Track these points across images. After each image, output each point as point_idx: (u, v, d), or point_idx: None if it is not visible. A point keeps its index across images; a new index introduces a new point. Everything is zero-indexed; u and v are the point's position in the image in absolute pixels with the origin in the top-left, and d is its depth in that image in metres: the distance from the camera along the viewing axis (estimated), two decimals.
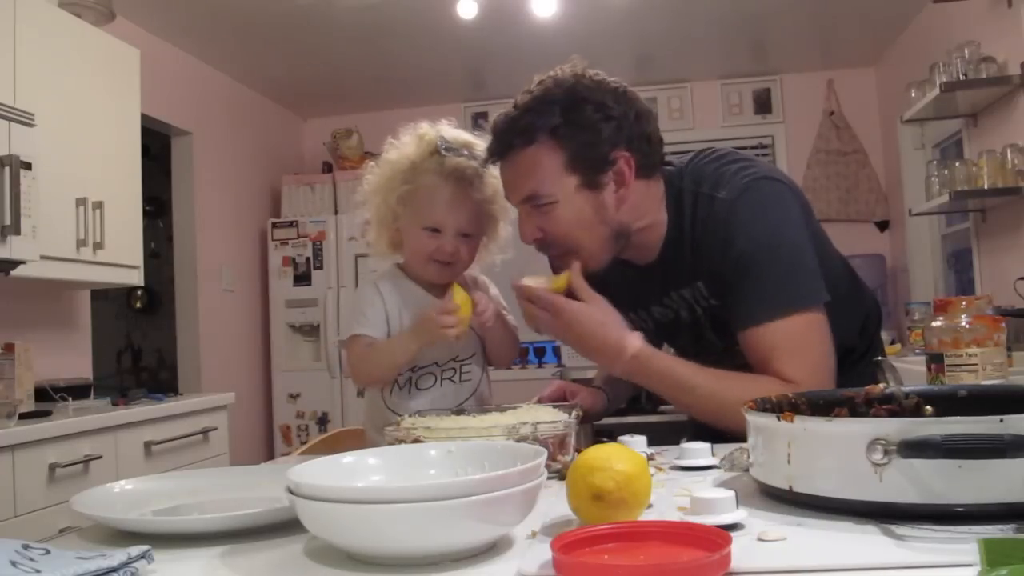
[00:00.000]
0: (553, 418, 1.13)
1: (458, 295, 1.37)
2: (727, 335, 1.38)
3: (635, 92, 1.35)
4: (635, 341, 1.28)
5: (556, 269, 1.38)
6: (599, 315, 1.29)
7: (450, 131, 1.51)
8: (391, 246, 1.55)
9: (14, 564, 0.67)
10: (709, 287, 1.36)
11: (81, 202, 2.77)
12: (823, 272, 1.32)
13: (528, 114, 1.29)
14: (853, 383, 1.10)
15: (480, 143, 1.49)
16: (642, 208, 1.35)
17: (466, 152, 1.47)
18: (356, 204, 1.55)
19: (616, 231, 1.34)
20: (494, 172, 1.46)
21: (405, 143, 1.51)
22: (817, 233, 1.40)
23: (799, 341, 1.27)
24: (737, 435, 1.03)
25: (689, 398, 1.30)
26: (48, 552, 0.72)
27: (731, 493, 0.77)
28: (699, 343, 1.47)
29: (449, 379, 1.52)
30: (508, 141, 1.31)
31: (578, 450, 0.97)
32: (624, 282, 1.44)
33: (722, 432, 1.22)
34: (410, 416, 1.21)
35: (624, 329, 1.30)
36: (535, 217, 1.32)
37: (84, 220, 2.78)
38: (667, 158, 1.41)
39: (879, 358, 1.22)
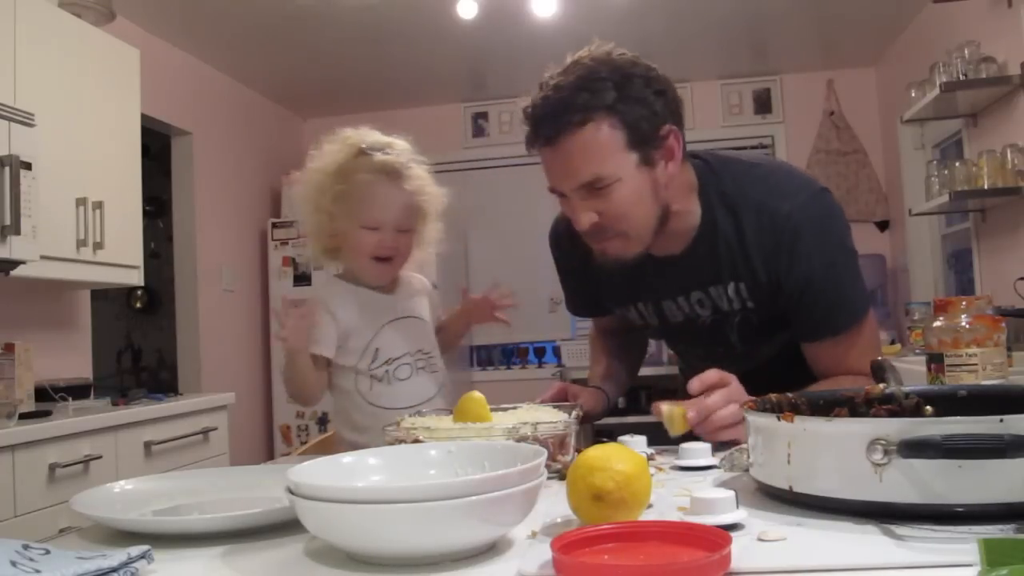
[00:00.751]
0: (553, 418, 1.13)
1: (473, 405, 1.20)
2: (751, 338, 1.42)
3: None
4: None
5: (600, 256, 1.35)
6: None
7: (370, 134, 1.55)
8: (327, 253, 1.57)
9: (14, 564, 0.67)
10: (752, 291, 1.36)
11: (81, 202, 2.77)
12: None
13: (580, 92, 1.21)
14: None
15: (400, 142, 1.53)
16: (678, 190, 1.33)
17: (389, 151, 1.51)
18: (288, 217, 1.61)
19: (663, 211, 1.31)
20: (418, 167, 1.51)
21: (328, 150, 1.54)
22: None
23: (871, 338, 1.39)
24: None
25: None
26: (48, 552, 0.72)
27: (731, 493, 0.77)
28: (716, 344, 1.46)
29: (422, 369, 1.56)
30: (563, 121, 1.22)
31: (578, 450, 0.97)
32: (638, 273, 1.42)
33: None
34: (409, 416, 1.21)
35: None
36: (592, 200, 1.26)
37: (84, 220, 2.78)
38: (694, 151, 1.41)
39: (879, 358, 1.22)
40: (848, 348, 1.35)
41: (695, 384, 1.18)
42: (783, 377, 1.22)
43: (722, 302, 1.40)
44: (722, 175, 1.36)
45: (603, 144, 1.22)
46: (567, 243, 1.51)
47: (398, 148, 1.53)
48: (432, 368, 1.58)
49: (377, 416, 1.48)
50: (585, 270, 1.50)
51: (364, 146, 1.50)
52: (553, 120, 1.23)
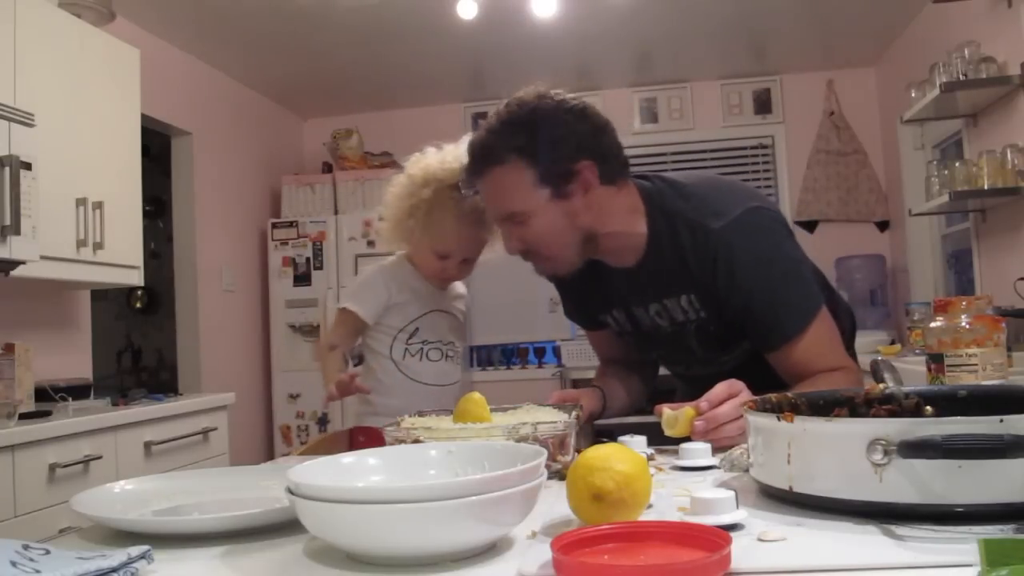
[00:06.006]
0: (553, 418, 1.13)
1: (472, 406, 1.21)
2: (708, 345, 1.50)
3: (594, 108, 1.43)
4: None
5: (539, 272, 1.50)
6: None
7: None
8: (403, 242, 1.76)
9: (14, 564, 0.67)
10: (702, 301, 1.44)
11: (81, 202, 2.77)
12: None
13: (495, 136, 1.38)
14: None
15: None
16: (608, 213, 1.42)
17: None
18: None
19: (584, 235, 1.42)
20: None
21: (430, 165, 1.68)
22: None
23: (827, 337, 1.42)
24: None
25: None
26: (48, 552, 0.72)
27: (731, 493, 0.77)
28: (679, 352, 1.55)
29: (450, 358, 1.79)
30: (482, 162, 1.40)
31: (578, 450, 0.97)
32: (606, 282, 1.52)
33: None
34: (410, 416, 1.21)
35: None
36: (515, 230, 1.41)
37: (84, 220, 2.78)
38: (645, 173, 1.51)
39: (879, 358, 1.22)
40: (807, 350, 1.39)
41: (704, 406, 1.20)
42: (757, 380, 1.25)
43: (677, 313, 1.48)
44: (664, 195, 1.45)
45: (515, 183, 1.37)
46: None
47: None
48: (457, 360, 1.80)
49: (402, 383, 1.74)
50: (575, 281, 1.60)
51: (460, 181, 1.60)
52: (478, 157, 1.41)
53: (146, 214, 3.41)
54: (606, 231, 1.43)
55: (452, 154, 1.67)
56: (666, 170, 4.27)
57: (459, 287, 1.86)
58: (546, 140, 1.36)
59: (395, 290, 1.74)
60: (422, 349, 1.75)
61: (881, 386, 1.03)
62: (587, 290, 1.59)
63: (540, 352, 5.24)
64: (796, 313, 1.40)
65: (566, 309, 1.75)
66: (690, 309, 1.46)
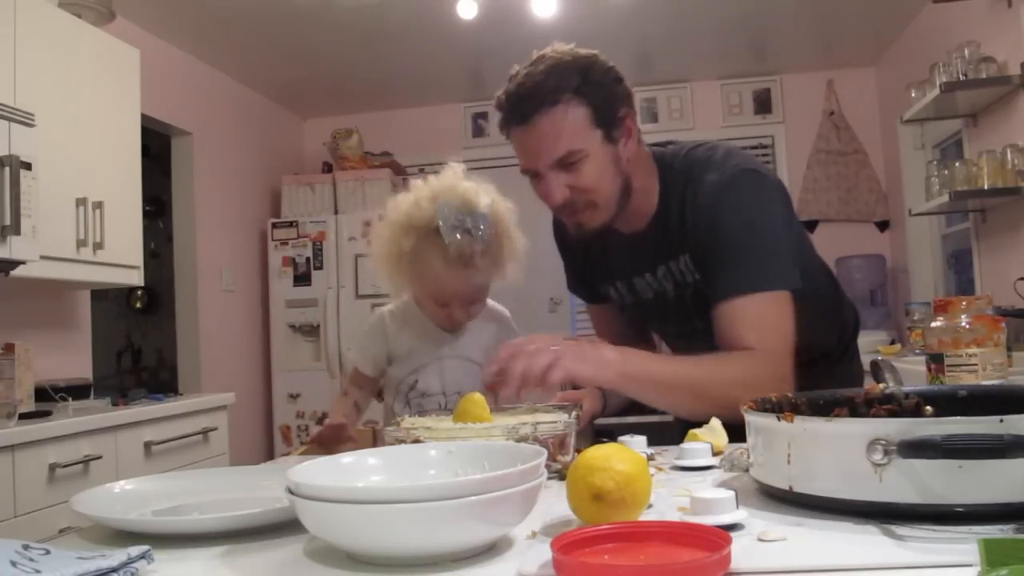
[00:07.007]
0: (553, 418, 1.13)
1: (472, 406, 1.21)
2: (708, 314, 1.44)
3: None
4: (613, 354, 1.30)
5: (573, 229, 1.46)
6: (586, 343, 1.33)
7: (450, 194, 1.51)
8: (402, 290, 1.63)
9: (14, 564, 0.67)
10: (695, 261, 1.44)
11: (81, 202, 2.77)
12: (804, 273, 1.41)
13: (550, 78, 1.34)
14: (827, 385, 1.13)
15: (481, 198, 1.51)
16: (639, 169, 1.45)
17: (468, 224, 1.48)
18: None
19: (624, 184, 1.42)
20: (497, 229, 1.53)
21: (409, 211, 1.51)
22: (799, 233, 1.52)
23: (760, 316, 1.35)
24: (727, 422, 1.18)
25: (671, 394, 1.34)
26: (48, 552, 0.72)
27: (731, 493, 0.77)
28: (682, 322, 1.54)
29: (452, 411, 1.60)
30: (536, 102, 1.34)
31: (578, 450, 0.97)
32: (612, 250, 1.53)
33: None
34: (410, 416, 1.21)
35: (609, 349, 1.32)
36: (564, 175, 1.37)
37: (84, 220, 2.78)
38: (657, 142, 1.54)
39: (879, 358, 1.23)
40: (742, 319, 1.34)
41: (494, 368, 1.22)
42: None
43: (680, 275, 1.48)
44: (675, 157, 1.48)
45: (573, 122, 1.35)
46: (564, 227, 1.61)
47: (480, 208, 1.50)
48: None
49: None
50: (577, 251, 1.63)
51: (440, 226, 1.47)
52: (526, 102, 1.35)
53: (146, 214, 3.41)
54: (635, 186, 1.44)
55: (425, 191, 1.52)
56: None
57: (487, 313, 1.66)
58: (597, 82, 1.36)
59: (394, 340, 1.62)
60: (420, 403, 1.62)
61: (881, 386, 1.03)
62: (592, 259, 1.60)
63: None
64: (752, 275, 1.35)
65: (569, 283, 1.76)
66: (687, 271, 1.46)
